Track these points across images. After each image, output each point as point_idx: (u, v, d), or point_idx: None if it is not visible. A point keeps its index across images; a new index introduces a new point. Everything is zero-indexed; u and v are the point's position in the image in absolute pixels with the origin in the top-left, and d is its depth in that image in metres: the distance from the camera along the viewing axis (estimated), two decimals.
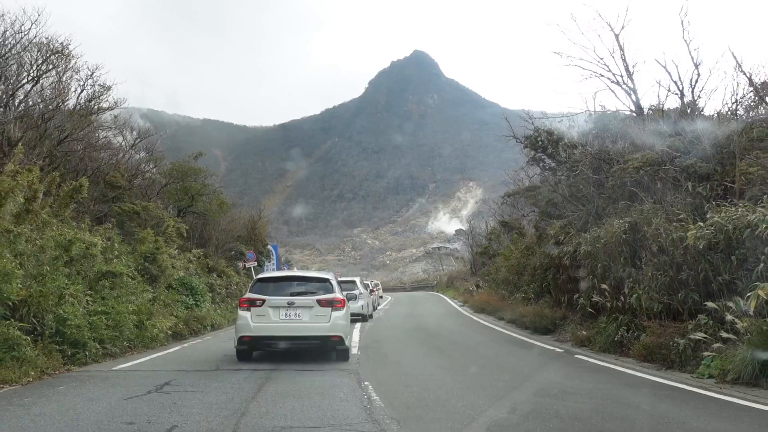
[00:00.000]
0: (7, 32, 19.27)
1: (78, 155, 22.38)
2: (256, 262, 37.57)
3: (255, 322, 12.39)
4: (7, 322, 11.18)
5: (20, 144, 15.32)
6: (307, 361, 12.91)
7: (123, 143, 28.73)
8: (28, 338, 11.31)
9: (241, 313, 12.63)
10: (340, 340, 12.68)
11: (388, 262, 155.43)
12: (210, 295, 26.38)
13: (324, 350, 13.13)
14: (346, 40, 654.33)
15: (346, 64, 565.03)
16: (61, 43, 20.56)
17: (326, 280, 13.45)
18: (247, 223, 40.12)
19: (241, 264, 36.66)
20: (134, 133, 29.93)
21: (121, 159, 27.07)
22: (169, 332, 17.48)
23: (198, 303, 22.82)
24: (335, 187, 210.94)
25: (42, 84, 20.61)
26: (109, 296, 15.50)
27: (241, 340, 12.59)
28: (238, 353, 12.99)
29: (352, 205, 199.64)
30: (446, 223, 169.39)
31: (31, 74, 19.73)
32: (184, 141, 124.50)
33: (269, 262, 42.87)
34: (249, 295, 12.85)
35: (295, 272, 17.82)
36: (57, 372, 11.51)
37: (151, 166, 29.26)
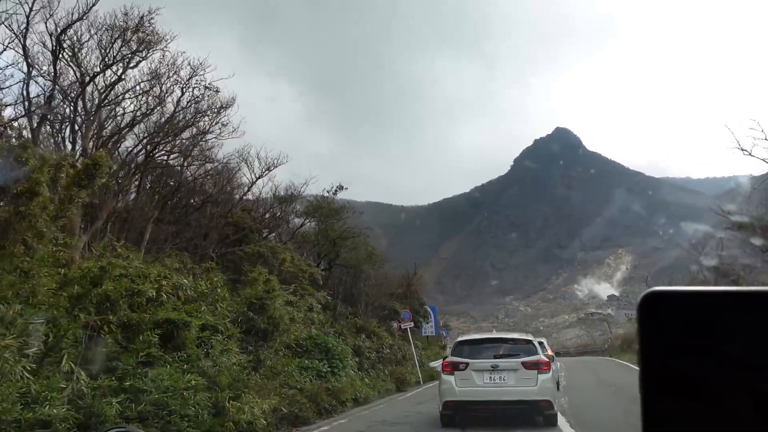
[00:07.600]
0: None
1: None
2: (412, 323, 29.90)
3: (459, 386, 11.05)
4: None
5: None
6: None
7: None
8: None
9: (445, 377, 11.35)
10: (548, 404, 10.81)
11: (541, 328, 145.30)
12: (356, 360, 19.25)
13: (530, 415, 10.99)
14: (491, 122, 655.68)
15: (491, 144, 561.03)
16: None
17: (529, 342, 11.78)
18: (402, 279, 32.56)
19: (395, 324, 29.18)
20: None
21: (253, 202, 20.86)
22: (274, 413, 10.14)
23: (335, 370, 15.50)
24: (486, 258, 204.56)
25: None
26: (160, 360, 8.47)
27: (446, 405, 11.28)
28: (442, 418, 11.50)
29: (504, 274, 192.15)
30: (597, 289, 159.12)
31: None
32: (351, 222, 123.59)
33: (427, 323, 35.19)
34: (452, 358, 11.53)
35: (495, 334, 15.39)
36: None
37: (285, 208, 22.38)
